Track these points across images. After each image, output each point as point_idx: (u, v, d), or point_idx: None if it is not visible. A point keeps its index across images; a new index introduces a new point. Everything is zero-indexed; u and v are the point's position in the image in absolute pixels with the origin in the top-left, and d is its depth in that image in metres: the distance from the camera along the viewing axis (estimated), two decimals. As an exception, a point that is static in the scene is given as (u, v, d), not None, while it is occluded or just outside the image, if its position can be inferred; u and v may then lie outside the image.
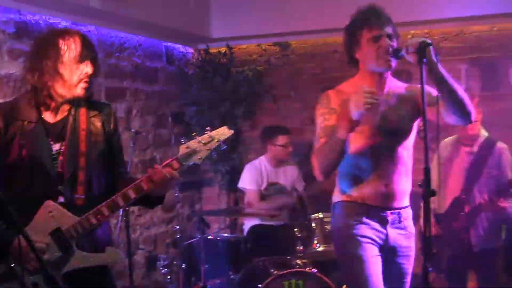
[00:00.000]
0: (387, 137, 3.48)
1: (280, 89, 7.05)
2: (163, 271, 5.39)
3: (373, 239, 3.49)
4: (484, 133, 5.23)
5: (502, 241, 5.16)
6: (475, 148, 5.19)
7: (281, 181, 6.01)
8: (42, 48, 2.96)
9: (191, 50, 7.27)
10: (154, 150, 6.63)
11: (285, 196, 5.97)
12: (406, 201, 3.58)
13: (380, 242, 3.51)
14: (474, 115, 3.39)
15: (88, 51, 2.97)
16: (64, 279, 2.87)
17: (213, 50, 7.12)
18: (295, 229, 5.26)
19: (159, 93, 6.71)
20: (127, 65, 6.19)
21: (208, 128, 2.98)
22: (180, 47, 7.10)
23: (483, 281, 5.15)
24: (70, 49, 2.93)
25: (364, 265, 3.42)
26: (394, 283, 3.56)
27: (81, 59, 2.94)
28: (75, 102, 3.02)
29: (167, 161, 2.94)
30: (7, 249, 2.75)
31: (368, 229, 3.48)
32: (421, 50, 3.09)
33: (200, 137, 2.94)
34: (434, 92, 3.23)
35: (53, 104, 3.00)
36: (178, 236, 5.51)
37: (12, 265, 2.74)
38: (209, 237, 5.52)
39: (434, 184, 3.17)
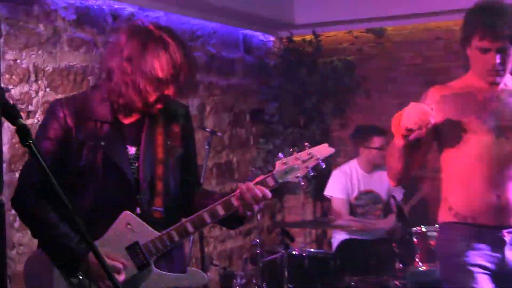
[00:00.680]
0: (499, 137, 3.42)
1: (374, 82, 7.01)
2: (240, 291, 5.42)
3: (486, 267, 3.41)
4: None
5: None
6: None
7: (375, 188, 5.99)
8: (143, 45, 2.85)
9: (272, 38, 7.31)
10: (230, 152, 6.66)
11: (382, 218, 5.93)
12: None
13: (493, 268, 3.42)
14: None
15: (179, 72, 2.87)
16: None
17: (297, 38, 7.12)
18: (393, 245, 5.23)
19: (236, 87, 6.77)
20: (200, 56, 6.23)
21: (306, 143, 3.00)
22: (259, 35, 7.14)
23: None
24: (161, 62, 2.83)
25: None
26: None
27: (166, 81, 2.86)
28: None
29: (261, 178, 2.94)
30: (78, 263, 2.80)
31: (480, 256, 3.41)
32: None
33: (298, 154, 2.95)
34: None
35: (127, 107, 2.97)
36: (257, 251, 5.49)
37: (80, 277, 2.81)
38: (293, 252, 5.51)
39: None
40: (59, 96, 4.70)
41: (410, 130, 3.25)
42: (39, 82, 4.73)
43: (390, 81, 6.96)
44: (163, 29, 2.90)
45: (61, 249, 2.81)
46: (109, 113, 2.94)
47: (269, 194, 2.90)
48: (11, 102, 2.65)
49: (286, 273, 5.08)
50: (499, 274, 3.41)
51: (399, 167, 3.46)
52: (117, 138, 2.95)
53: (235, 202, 2.90)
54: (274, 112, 7.01)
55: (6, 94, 4.36)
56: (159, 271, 2.92)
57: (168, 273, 2.94)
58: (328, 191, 6.03)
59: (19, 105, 4.55)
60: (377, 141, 5.89)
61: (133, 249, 2.88)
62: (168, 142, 3.02)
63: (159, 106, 2.93)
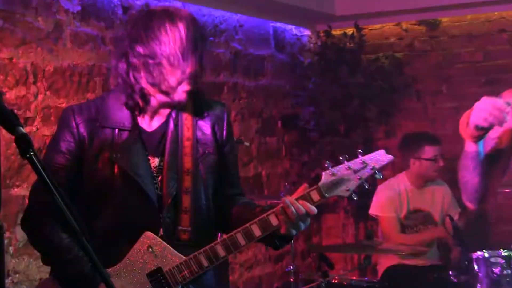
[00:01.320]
0: None
1: (426, 82, 7.02)
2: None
3: None
4: None
5: None
6: None
7: (427, 206, 6.02)
8: (147, 23, 2.91)
9: (307, 32, 7.35)
10: (259, 164, 6.66)
11: (433, 226, 5.92)
12: None
13: None
14: None
15: (197, 43, 2.89)
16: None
17: (336, 32, 7.15)
18: (450, 272, 5.09)
19: (266, 89, 6.80)
20: (225, 53, 6.28)
21: (359, 150, 2.96)
22: (293, 29, 7.19)
23: None
24: (174, 40, 2.86)
25: None
26: None
27: (184, 56, 2.87)
28: (176, 106, 3.01)
29: (304, 191, 2.90)
30: None
31: None
32: None
33: (349, 162, 2.93)
34: None
35: (148, 108, 2.98)
36: (290, 280, 5.47)
37: None
38: (333, 280, 5.48)
39: None
40: (61, 100, 4.76)
41: (481, 129, 3.08)
42: (38, 84, 4.70)
43: (445, 81, 6.98)
44: (167, 6, 2.99)
45: (74, 276, 2.83)
46: (128, 119, 2.95)
47: (314, 210, 2.87)
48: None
49: (323, 305, 5.08)
50: None
51: (475, 182, 3.25)
52: (137, 148, 2.95)
53: (273, 221, 2.88)
54: (309, 118, 7.00)
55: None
56: None
57: None
58: (374, 210, 6.04)
59: (15, 111, 4.49)
60: (429, 151, 5.88)
61: (155, 277, 2.88)
62: (199, 149, 3.00)
63: (185, 88, 2.88)
